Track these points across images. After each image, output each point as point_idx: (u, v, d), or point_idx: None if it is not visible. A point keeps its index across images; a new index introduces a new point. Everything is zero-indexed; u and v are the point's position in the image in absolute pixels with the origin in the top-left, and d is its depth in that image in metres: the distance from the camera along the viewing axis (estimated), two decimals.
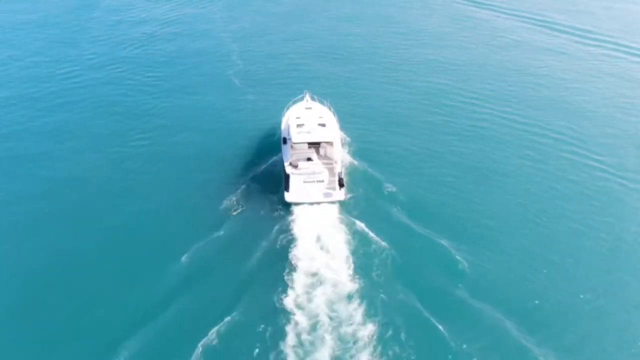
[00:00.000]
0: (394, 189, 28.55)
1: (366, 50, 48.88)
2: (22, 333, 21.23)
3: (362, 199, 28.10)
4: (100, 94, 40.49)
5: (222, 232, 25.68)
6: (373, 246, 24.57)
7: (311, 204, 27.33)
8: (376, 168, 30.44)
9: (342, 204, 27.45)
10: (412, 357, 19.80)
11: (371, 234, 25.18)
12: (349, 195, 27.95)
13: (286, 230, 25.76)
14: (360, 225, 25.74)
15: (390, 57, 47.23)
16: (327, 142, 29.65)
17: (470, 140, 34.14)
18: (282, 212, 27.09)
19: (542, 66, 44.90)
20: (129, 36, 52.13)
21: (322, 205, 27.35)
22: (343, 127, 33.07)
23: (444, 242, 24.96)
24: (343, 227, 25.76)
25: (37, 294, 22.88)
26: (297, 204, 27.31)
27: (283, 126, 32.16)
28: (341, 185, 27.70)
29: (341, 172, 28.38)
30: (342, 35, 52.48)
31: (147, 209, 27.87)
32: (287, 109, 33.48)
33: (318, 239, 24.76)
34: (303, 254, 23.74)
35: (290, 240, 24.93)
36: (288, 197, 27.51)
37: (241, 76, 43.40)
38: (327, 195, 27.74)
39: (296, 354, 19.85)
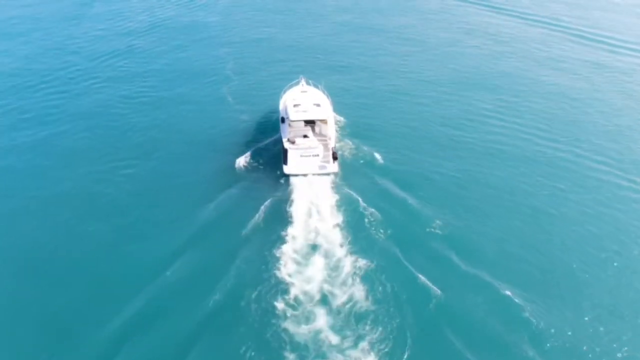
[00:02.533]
0: (382, 162, 31.80)
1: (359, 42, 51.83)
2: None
3: (353, 171, 31.20)
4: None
5: (225, 200, 28.58)
6: (362, 211, 27.48)
7: (307, 175, 30.10)
8: (366, 144, 33.55)
9: (335, 175, 30.26)
10: (406, 312, 22.05)
11: (361, 201, 28.12)
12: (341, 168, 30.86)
13: (285, 199, 28.59)
14: (351, 192, 28.82)
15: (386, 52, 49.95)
16: (321, 120, 32.47)
17: (456, 120, 37.10)
18: (281, 182, 29.93)
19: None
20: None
21: (317, 177, 30.11)
22: (336, 110, 35.87)
23: (423, 206, 27.94)
24: (336, 195, 28.77)
25: (35, 279, 24.23)
26: (294, 175, 30.07)
27: (281, 107, 34.92)
28: (335, 158, 30.53)
29: (335, 147, 31.17)
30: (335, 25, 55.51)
31: (155, 177, 30.93)
32: (284, 92, 36.18)
33: (313, 205, 27.68)
34: (299, 220, 26.57)
35: (288, 207, 27.75)
36: (286, 169, 30.30)
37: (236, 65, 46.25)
38: (322, 167, 30.53)
39: (289, 318, 21.55)
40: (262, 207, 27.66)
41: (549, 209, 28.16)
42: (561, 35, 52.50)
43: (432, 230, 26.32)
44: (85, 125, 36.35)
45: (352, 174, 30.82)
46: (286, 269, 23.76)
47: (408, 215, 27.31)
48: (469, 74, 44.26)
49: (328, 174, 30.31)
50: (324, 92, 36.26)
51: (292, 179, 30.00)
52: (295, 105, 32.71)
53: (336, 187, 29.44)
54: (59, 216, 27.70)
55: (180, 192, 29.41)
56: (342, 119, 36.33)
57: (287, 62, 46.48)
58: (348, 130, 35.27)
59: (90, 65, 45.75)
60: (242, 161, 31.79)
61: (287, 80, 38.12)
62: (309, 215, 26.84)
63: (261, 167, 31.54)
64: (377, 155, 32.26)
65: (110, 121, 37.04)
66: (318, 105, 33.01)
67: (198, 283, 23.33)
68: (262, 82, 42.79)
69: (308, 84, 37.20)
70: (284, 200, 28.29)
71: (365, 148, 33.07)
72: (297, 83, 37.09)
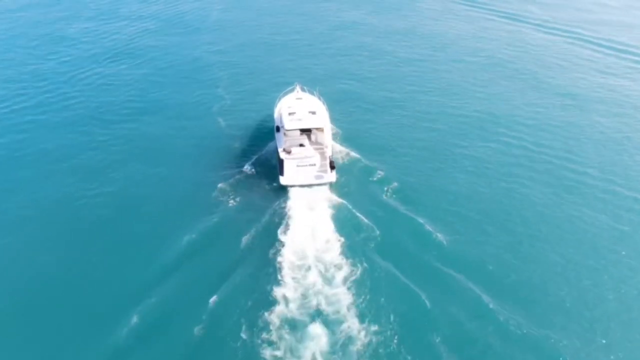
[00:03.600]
0: (381, 174, 30.68)
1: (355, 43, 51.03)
2: None
3: (351, 181, 30.34)
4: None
5: (218, 216, 27.59)
6: (359, 224, 26.60)
7: (304, 186, 29.31)
8: (363, 153, 32.66)
9: (332, 185, 29.46)
10: (395, 320, 21.76)
11: (358, 214, 27.22)
12: (338, 178, 30.03)
13: (281, 212, 27.59)
14: (348, 206, 27.88)
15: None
16: (317, 129, 31.64)
17: (458, 131, 35.86)
18: (277, 194, 29.08)
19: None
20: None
21: (314, 187, 29.34)
22: (332, 117, 35.05)
23: (423, 221, 26.92)
24: (333, 207, 27.87)
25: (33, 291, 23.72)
26: (291, 186, 29.29)
27: (276, 115, 34.12)
28: (332, 167, 29.75)
29: (332, 156, 30.38)
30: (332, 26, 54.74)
31: (145, 193, 29.82)
32: (279, 100, 35.41)
33: (310, 221, 26.65)
34: (296, 234, 25.65)
35: (285, 220, 26.85)
36: (283, 180, 29.50)
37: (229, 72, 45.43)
38: (318, 177, 29.75)
39: (284, 333, 21.12)
40: (257, 224, 26.75)
41: (554, 227, 27.08)
42: (579, 44, 50.45)
43: (431, 247, 25.42)
44: (70, 139, 35.32)
45: (349, 184, 30.00)
46: (281, 288, 22.94)
47: (408, 231, 26.38)
48: (472, 82, 43.03)
49: (325, 184, 29.57)
50: (319, 99, 35.48)
51: (289, 190, 29.19)
52: (290, 114, 31.89)
53: (333, 200, 28.49)
54: (40, 234, 26.85)
55: (172, 207, 28.54)
56: (338, 127, 35.42)
57: (282, 67, 45.65)
58: (345, 139, 34.37)
59: (73, 75, 44.55)
60: (236, 173, 30.90)
61: (281, 86, 37.36)
62: (306, 232, 25.78)
63: (256, 178, 30.67)
64: (375, 165, 31.30)
65: (95, 134, 35.76)
66: (314, 113, 32.18)
67: (191, 300, 22.67)
68: (257, 89, 41.89)
69: (303, 90, 36.41)
70: (280, 215, 27.34)
71: (361, 157, 32.14)
72: (292, 90, 36.33)
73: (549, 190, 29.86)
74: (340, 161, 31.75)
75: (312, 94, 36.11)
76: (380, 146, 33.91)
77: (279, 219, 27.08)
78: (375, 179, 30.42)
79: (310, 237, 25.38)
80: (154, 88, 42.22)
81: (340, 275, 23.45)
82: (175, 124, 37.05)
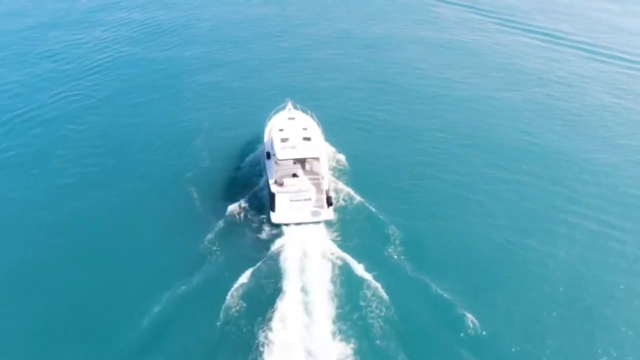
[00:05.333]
0: (383, 217, 26.78)
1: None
2: None
3: (351, 221, 26.94)
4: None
5: (199, 274, 23.67)
6: (360, 284, 22.91)
7: (298, 224, 26.29)
8: (362, 187, 29.01)
9: (329, 223, 26.44)
10: None
11: (362, 276, 23.26)
12: (336, 215, 26.93)
13: (273, 264, 24.02)
14: (346, 257, 24.20)
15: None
16: (313, 157, 28.53)
17: (473, 172, 31.44)
18: (268, 236, 25.90)
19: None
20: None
21: (309, 225, 26.30)
22: (328, 139, 31.83)
23: (442, 290, 22.63)
24: (330, 255, 24.31)
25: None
26: (284, 224, 26.23)
27: (266, 138, 30.88)
28: (330, 203, 26.68)
29: (329, 189, 27.32)
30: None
31: (112, 251, 25.52)
32: (269, 119, 32.17)
33: (305, 276, 23.10)
34: (287, 302, 21.91)
35: (276, 280, 23.19)
36: (274, 217, 26.41)
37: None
38: (314, 214, 26.69)
39: None
40: (245, 286, 22.91)
41: (586, 294, 23.32)
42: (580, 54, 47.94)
43: (450, 325, 21.33)
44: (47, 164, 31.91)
45: (348, 228, 26.45)
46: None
47: (418, 298, 22.60)
48: (492, 112, 38.27)
49: (322, 222, 26.56)
50: (313, 118, 32.29)
51: (281, 232, 26.05)
52: (282, 140, 28.60)
53: (331, 245, 25.01)
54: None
55: (137, 270, 24.28)
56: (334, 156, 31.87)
57: (272, 83, 42.08)
58: (342, 168, 31.00)
59: (52, 91, 40.47)
60: (221, 211, 27.31)
61: (272, 101, 34.06)
62: (299, 298, 22.10)
63: (245, 218, 27.11)
64: (377, 206, 27.48)
65: (55, 172, 31.12)
66: (308, 139, 28.85)
67: None
68: (244, 108, 38.38)
69: (295, 107, 33.12)
70: (272, 270, 23.72)
71: (362, 197, 28.22)
72: (284, 107, 33.07)
73: (575, 249, 25.67)
74: (341, 202, 28.11)
75: (305, 112, 32.89)
76: (382, 182, 30.16)
77: (270, 275, 23.47)
78: (377, 224, 26.47)
79: (302, 304, 21.76)
80: (126, 112, 37.91)
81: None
82: (150, 158, 32.73)
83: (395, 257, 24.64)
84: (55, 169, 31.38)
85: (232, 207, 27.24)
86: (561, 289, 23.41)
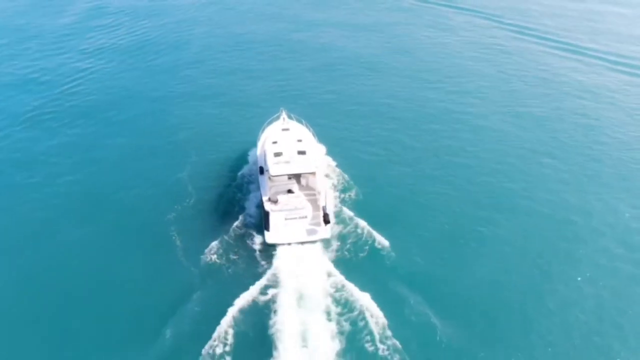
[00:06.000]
0: (386, 245, 24.85)
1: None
2: None
3: (350, 240, 25.40)
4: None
5: (185, 308, 22.15)
6: (359, 309, 21.48)
7: (294, 243, 24.89)
8: (368, 209, 27.13)
9: (327, 242, 25.05)
10: None
11: (359, 295, 21.94)
12: (334, 233, 25.48)
13: (266, 296, 22.36)
14: (346, 281, 22.67)
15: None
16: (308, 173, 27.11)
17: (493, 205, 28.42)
18: (263, 258, 24.49)
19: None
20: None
21: (306, 245, 24.92)
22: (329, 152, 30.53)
23: (448, 331, 21.10)
24: (328, 279, 22.89)
25: None
26: (279, 244, 24.84)
27: (259, 151, 29.44)
28: (327, 221, 25.27)
29: (326, 206, 25.89)
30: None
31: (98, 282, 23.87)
32: (263, 130, 30.73)
33: (299, 297, 21.82)
34: (283, 325, 20.67)
35: (269, 315, 21.52)
36: (269, 237, 25.01)
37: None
38: (311, 232, 25.31)
39: None
40: (233, 310, 21.41)
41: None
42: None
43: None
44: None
45: (346, 244, 25.06)
46: None
47: (418, 325, 21.25)
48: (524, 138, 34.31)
49: (319, 241, 25.15)
50: (308, 128, 30.85)
51: (277, 249, 24.66)
52: (276, 154, 27.14)
53: (329, 267, 23.55)
54: None
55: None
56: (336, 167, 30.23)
57: (265, 91, 40.24)
58: (342, 183, 29.27)
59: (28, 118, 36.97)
60: (211, 233, 26.01)
61: (264, 110, 32.61)
62: (295, 317, 20.93)
63: (236, 235, 25.76)
64: (376, 226, 25.74)
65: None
66: (303, 152, 27.41)
67: None
68: (237, 115, 36.83)
69: (290, 117, 31.70)
70: (265, 292, 22.35)
71: (359, 209, 26.86)
72: (278, 117, 31.61)
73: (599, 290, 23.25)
74: (339, 219, 26.39)
75: (300, 122, 31.45)
76: (386, 201, 28.35)
77: (264, 305, 21.94)
78: (378, 247, 24.84)
79: (299, 335, 20.32)
80: (111, 124, 36.15)
81: None
82: (135, 177, 30.79)
83: (398, 285, 23.07)
84: (32, 197, 29.28)
85: (228, 230, 25.85)
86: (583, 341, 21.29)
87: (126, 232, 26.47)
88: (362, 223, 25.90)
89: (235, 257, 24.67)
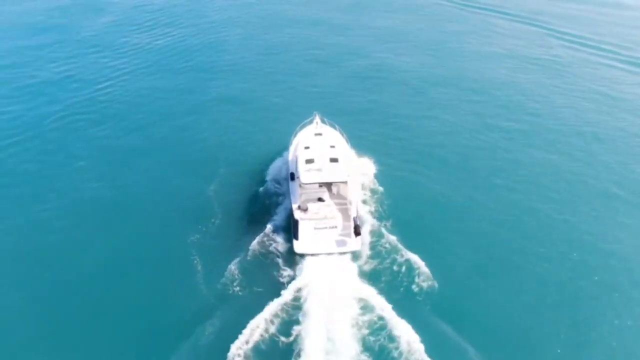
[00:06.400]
0: (421, 266, 23.32)
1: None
2: None
3: (381, 253, 24.31)
4: None
5: (218, 311, 21.68)
6: (389, 329, 20.47)
7: (322, 254, 24.12)
8: (403, 222, 26.00)
9: (357, 254, 24.19)
10: None
11: (390, 315, 20.84)
12: (364, 245, 24.54)
13: (292, 300, 21.77)
14: (376, 296, 21.76)
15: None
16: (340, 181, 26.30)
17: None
18: (290, 268, 23.79)
19: None
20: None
21: (334, 256, 24.10)
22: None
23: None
24: (356, 294, 21.94)
25: None
26: (308, 255, 24.10)
27: (290, 157, 28.81)
28: (357, 233, 24.43)
29: (357, 217, 25.08)
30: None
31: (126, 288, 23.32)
32: (295, 134, 30.08)
33: (327, 312, 20.88)
34: (308, 343, 19.87)
35: (295, 316, 21.10)
36: (297, 247, 24.31)
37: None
38: (340, 243, 24.53)
39: None
40: (256, 322, 20.60)
41: None
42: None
43: None
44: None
45: (377, 258, 23.98)
46: None
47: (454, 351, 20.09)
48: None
49: (348, 253, 24.33)
50: (342, 134, 30.09)
51: (305, 259, 23.91)
52: (307, 161, 26.43)
53: (358, 281, 22.62)
54: None
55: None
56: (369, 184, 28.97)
57: (299, 94, 39.59)
58: (375, 194, 28.28)
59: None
60: (241, 240, 25.42)
61: (298, 118, 31.86)
62: (322, 333, 20.13)
63: (264, 242, 25.03)
64: (408, 241, 24.53)
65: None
66: (335, 160, 26.65)
67: None
68: (269, 119, 36.33)
69: (323, 122, 30.99)
70: (291, 306, 21.58)
71: (393, 222, 25.90)
72: (311, 121, 30.93)
73: None
74: (370, 231, 25.20)
75: (334, 127, 30.68)
76: (421, 216, 27.09)
77: (288, 320, 21.05)
78: (411, 263, 23.52)
79: (324, 352, 19.56)
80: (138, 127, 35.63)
81: None
82: (164, 182, 30.07)
83: (430, 305, 22.00)
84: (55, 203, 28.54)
85: (255, 238, 25.11)
86: None
87: (148, 245, 25.54)
88: (393, 238, 24.82)
89: (259, 268, 23.94)
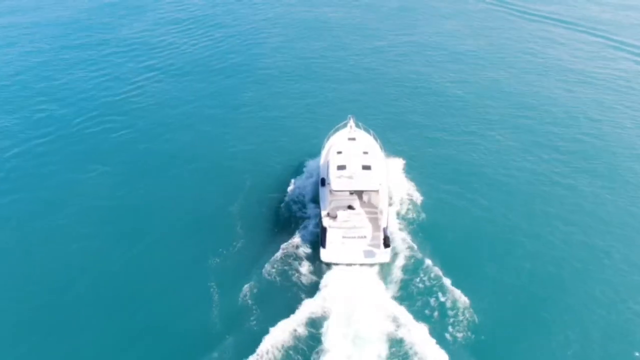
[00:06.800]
0: (454, 274, 22.41)
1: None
2: None
3: (410, 269, 23.25)
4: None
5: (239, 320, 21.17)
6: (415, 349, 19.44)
7: (349, 265, 23.45)
8: (436, 238, 24.94)
9: (385, 267, 23.39)
10: None
11: (418, 335, 19.86)
12: (392, 257, 23.69)
13: (315, 310, 21.08)
14: (404, 314, 20.72)
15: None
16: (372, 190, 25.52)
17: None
18: (314, 276, 23.19)
19: None
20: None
21: (361, 267, 23.40)
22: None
23: None
24: (383, 309, 21.05)
25: None
26: (334, 264, 23.47)
27: (322, 161, 28.17)
28: (387, 244, 23.61)
29: (387, 227, 24.25)
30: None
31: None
32: (328, 138, 29.44)
33: (349, 326, 20.20)
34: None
35: (318, 328, 20.41)
36: (324, 255, 23.67)
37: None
38: (368, 254, 23.76)
39: None
40: (276, 332, 20.06)
41: None
42: None
43: None
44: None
45: (406, 273, 22.97)
46: None
47: None
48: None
49: (376, 265, 23.57)
50: (376, 139, 29.30)
51: (330, 269, 23.30)
52: (339, 167, 25.72)
53: (384, 296, 21.73)
54: None
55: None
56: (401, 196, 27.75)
57: (335, 97, 38.71)
58: (410, 205, 27.23)
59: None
60: (269, 247, 24.99)
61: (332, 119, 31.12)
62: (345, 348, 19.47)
63: (292, 249, 24.45)
64: (441, 259, 23.49)
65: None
66: (368, 167, 25.86)
67: None
68: (301, 118, 35.91)
69: (357, 126, 30.23)
70: (313, 318, 20.82)
71: (425, 236, 24.96)
72: (345, 125, 30.21)
73: None
74: (401, 243, 24.22)
75: (368, 131, 29.91)
76: (459, 233, 25.57)
77: (310, 334, 20.31)
78: (443, 283, 22.23)
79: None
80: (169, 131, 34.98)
81: None
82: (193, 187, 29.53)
83: (460, 330, 20.78)
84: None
85: (284, 244, 24.63)
86: None
87: (165, 260, 24.65)
88: (426, 255, 23.74)
89: (283, 277, 23.31)
